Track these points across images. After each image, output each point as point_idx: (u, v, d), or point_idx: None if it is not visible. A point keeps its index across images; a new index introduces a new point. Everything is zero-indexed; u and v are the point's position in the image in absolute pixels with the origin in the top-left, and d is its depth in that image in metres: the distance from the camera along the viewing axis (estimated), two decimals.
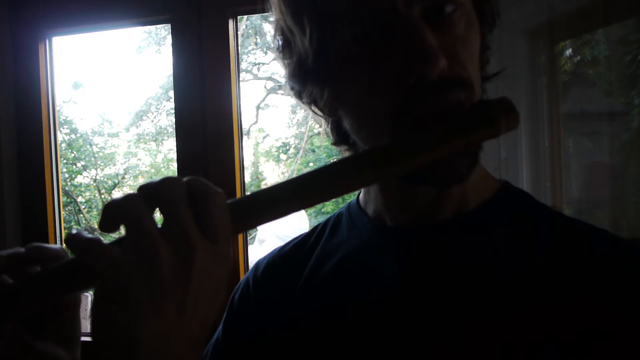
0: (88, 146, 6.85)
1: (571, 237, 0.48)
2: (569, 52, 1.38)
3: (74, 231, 0.36)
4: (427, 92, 0.43)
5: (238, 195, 1.31)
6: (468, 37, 0.46)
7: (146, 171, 7.29)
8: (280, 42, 0.52)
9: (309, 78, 0.50)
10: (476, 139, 0.42)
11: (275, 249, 0.63)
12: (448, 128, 0.41)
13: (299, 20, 0.47)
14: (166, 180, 0.36)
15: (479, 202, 0.51)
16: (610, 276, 0.44)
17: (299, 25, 0.48)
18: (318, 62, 0.48)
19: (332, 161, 0.46)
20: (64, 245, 0.40)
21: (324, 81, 0.50)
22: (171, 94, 6.11)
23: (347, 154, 0.55)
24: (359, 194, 0.60)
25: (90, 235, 0.35)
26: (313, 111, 0.55)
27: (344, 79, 0.48)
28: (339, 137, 0.54)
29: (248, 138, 7.54)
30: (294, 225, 2.81)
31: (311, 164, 6.84)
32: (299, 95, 0.54)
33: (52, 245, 0.46)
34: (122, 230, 0.36)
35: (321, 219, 0.64)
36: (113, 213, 0.35)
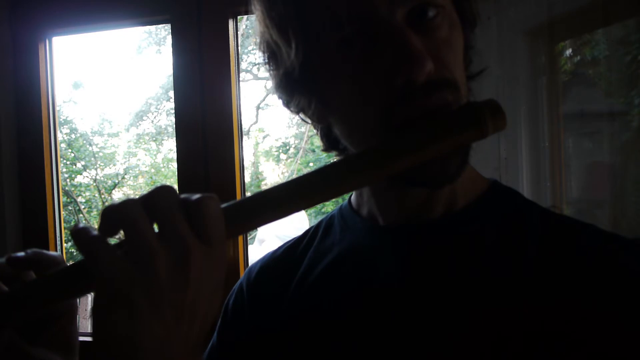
0: (88, 146, 6.85)
1: (561, 233, 0.49)
2: (569, 52, 1.38)
3: (81, 225, 0.36)
4: (415, 95, 0.43)
5: (238, 195, 1.31)
6: (451, 39, 0.46)
7: (146, 171, 7.28)
8: (266, 54, 0.52)
9: (296, 89, 0.51)
10: (464, 140, 0.43)
11: (268, 254, 0.64)
12: (437, 130, 0.42)
13: (284, 33, 0.48)
14: (158, 188, 0.36)
15: (469, 200, 0.52)
16: (601, 270, 0.44)
17: (284, 38, 0.48)
18: (304, 73, 0.48)
19: (331, 162, 0.46)
20: (64, 244, 0.40)
21: (311, 92, 0.50)
22: (171, 94, 6.11)
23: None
24: (350, 196, 0.60)
25: (95, 233, 0.35)
26: (302, 119, 0.55)
27: (332, 86, 0.48)
28: (329, 143, 0.55)
29: (248, 138, 7.54)
30: (294, 225, 2.81)
31: (311, 164, 6.84)
32: (287, 105, 0.54)
33: (51, 252, 0.46)
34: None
35: (321, 218, 0.64)
36: (112, 217, 0.35)
